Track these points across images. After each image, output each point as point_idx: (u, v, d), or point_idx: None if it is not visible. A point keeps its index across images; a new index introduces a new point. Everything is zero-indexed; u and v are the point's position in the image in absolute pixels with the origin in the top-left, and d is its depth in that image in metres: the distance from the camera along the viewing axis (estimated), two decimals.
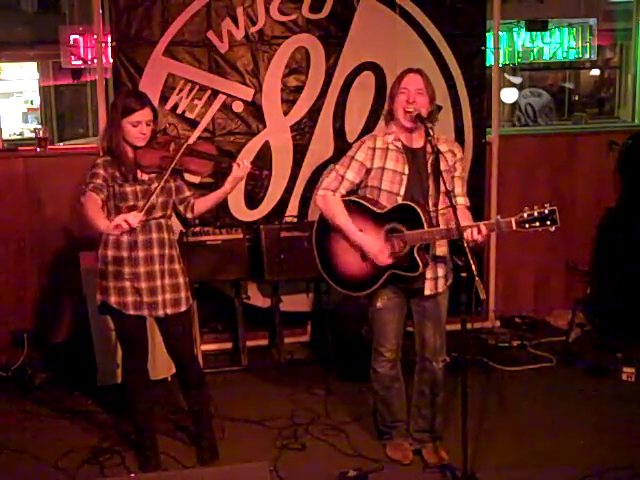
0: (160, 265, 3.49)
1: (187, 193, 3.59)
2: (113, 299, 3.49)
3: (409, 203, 3.44)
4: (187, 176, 3.70)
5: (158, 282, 3.49)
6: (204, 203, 3.58)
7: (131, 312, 3.49)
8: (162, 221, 3.51)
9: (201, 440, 3.80)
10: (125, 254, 3.46)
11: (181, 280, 3.55)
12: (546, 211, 3.18)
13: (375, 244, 3.49)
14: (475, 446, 3.69)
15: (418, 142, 3.55)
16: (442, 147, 3.49)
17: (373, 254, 3.49)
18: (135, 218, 3.11)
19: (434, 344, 3.64)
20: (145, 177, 3.47)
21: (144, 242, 3.46)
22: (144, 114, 3.41)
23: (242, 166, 3.45)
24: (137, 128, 3.40)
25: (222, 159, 3.59)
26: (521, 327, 5.72)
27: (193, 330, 4.82)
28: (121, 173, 3.42)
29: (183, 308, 3.56)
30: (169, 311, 3.52)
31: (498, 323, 5.83)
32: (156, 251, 3.48)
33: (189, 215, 3.59)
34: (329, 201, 3.58)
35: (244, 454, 3.79)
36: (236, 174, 3.46)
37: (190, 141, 3.55)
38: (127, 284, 3.47)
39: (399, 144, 3.54)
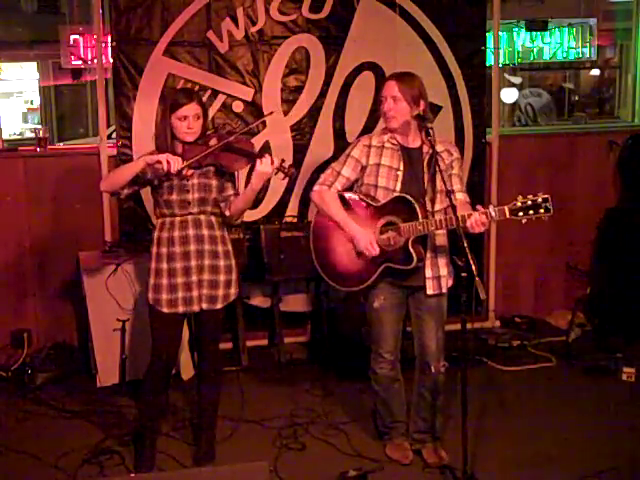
0: (197, 261, 3.51)
1: (230, 192, 3.58)
2: (150, 295, 3.54)
3: (404, 195, 3.46)
4: None
5: (194, 277, 3.51)
6: (238, 201, 3.57)
7: (165, 310, 3.52)
8: (201, 217, 3.52)
9: (200, 440, 3.82)
10: (164, 250, 3.51)
11: (222, 278, 3.56)
12: (539, 199, 3.21)
13: (365, 236, 3.50)
14: (475, 446, 3.69)
15: (414, 142, 3.56)
16: (438, 147, 3.50)
17: (363, 246, 3.50)
18: (176, 162, 3.29)
19: (434, 347, 3.63)
20: (189, 173, 3.48)
21: (181, 238, 3.50)
22: (191, 108, 3.44)
23: (265, 162, 3.42)
24: (184, 123, 3.44)
25: (255, 155, 3.56)
26: (521, 327, 5.72)
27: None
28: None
29: (218, 306, 3.58)
30: (204, 306, 3.55)
31: (498, 323, 5.83)
32: (193, 247, 3.50)
33: (227, 213, 3.58)
34: (324, 195, 3.61)
35: (244, 454, 3.79)
36: (258, 170, 3.43)
37: (232, 138, 3.53)
38: (164, 281, 3.51)
39: (395, 142, 3.55)
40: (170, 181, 3.47)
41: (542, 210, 3.21)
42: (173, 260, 3.51)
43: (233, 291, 3.62)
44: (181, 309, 3.54)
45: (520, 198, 3.24)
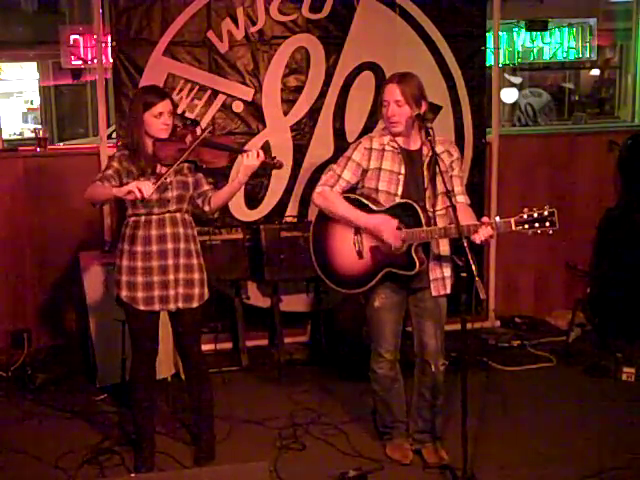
0: (174, 259, 3.51)
1: (205, 187, 3.60)
2: (124, 293, 3.53)
3: (408, 201, 3.45)
4: None
5: (171, 276, 3.51)
6: (220, 195, 3.59)
7: (141, 307, 3.52)
8: (177, 215, 3.53)
9: (200, 440, 3.81)
10: (139, 248, 3.50)
11: (196, 276, 3.58)
12: (545, 212, 3.21)
13: (388, 223, 3.43)
14: (475, 446, 3.69)
15: (415, 144, 3.56)
16: (438, 148, 3.48)
17: (387, 234, 3.41)
18: (148, 187, 3.23)
19: (434, 346, 3.63)
20: (163, 170, 3.48)
21: (158, 237, 3.49)
22: (165, 105, 3.47)
23: (251, 155, 3.44)
24: (160, 119, 3.45)
25: (237, 149, 3.59)
26: (521, 327, 5.73)
27: None
28: (138, 167, 3.44)
29: (195, 304, 3.58)
30: (181, 305, 3.55)
31: (498, 323, 5.83)
32: (170, 245, 3.50)
33: (206, 208, 3.60)
34: (328, 195, 3.58)
35: (244, 454, 3.79)
36: (246, 163, 3.45)
37: (207, 133, 3.56)
38: (140, 279, 3.50)
39: (395, 145, 3.54)
40: (148, 180, 3.42)
41: (548, 224, 3.21)
42: (149, 259, 3.49)
43: (206, 290, 3.64)
44: (157, 307, 3.54)
45: (526, 210, 3.24)
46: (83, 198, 3.44)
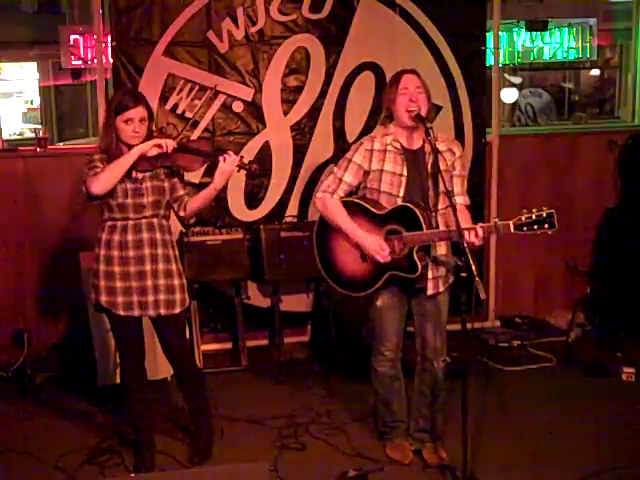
0: (152, 265, 3.48)
1: (181, 192, 3.57)
2: (103, 298, 3.50)
3: (408, 205, 3.45)
4: (187, 177, 3.72)
5: (149, 282, 3.48)
6: (196, 200, 3.55)
7: (121, 313, 3.49)
8: (154, 221, 3.50)
9: (197, 439, 3.81)
10: (116, 253, 3.46)
11: (176, 282, 3.54)
12: (544, 214, 3.21)
13: (375, 242, 3.48)
14: (475, 446, 3.68)
15: (417, 143, 3.56)
16: (440, 146, 3.49)
17: (374, 251, 3.48)
18: (170, 143, 3.35)
19: (435, 344, 3.64)
20: (139, 175, 3.46)
21: (134, 242, 3.46)
22: (137, 112, 3.39)
23: (228, 160, 3.42)
24: (130, 126, 3.38)
25: (212, 154, 3.58)
26: (521, 327, 5.73)
27: (194, 330, 4.86)
28: None
29: (177, 310, 3.54)
30: (163, 312, 3.51)
31: (498, 323, 5.83)
32: (147, 251, 3.47)
33: (182, 213, 3.56)
34: (328, 203, 3.59)
35: (244, 454, 3.79)
36: (222, 168, 3.42)
37: (184, 139, 3.56)
38: (118, 284, 3.47)
39: (398, 145, 3.54)
40: (124, 185, 3.42)
41: (547, 225, 3.21)
42: (127, 264, 3.46)
43: (187, 296, 3.60)
44: (137, 312, 3.50)
45: (525, 212, 3.23)
46: (93, 194, 3.32)
